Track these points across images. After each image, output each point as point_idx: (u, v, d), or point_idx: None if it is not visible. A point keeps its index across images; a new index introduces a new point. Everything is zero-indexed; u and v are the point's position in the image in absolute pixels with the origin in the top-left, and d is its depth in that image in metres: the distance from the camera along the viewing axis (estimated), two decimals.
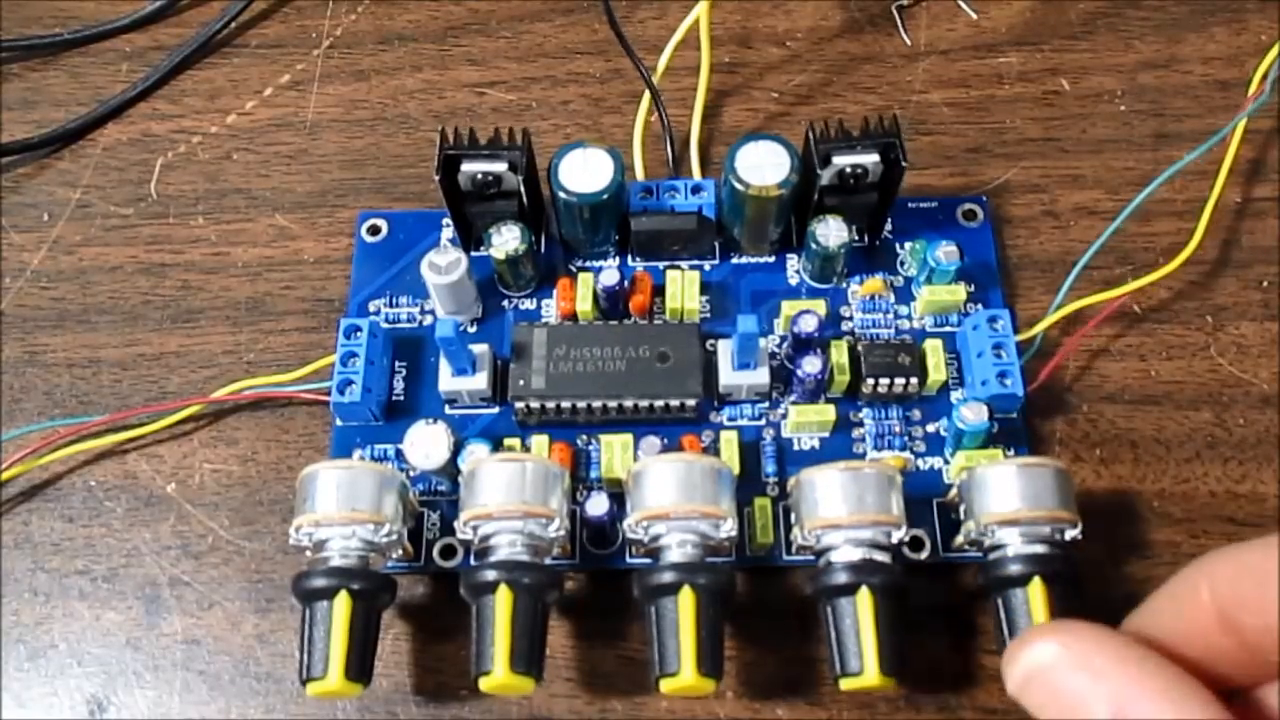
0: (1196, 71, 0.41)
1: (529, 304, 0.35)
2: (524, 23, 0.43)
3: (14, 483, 0.34)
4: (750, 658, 0.31)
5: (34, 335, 0.36)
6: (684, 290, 0.34)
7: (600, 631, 0.31)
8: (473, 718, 0.31)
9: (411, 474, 0.32)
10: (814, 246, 0.34)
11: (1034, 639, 0.24)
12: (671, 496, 0.28)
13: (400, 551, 0.30)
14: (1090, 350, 0.35)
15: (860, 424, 0.33)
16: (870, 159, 0.33)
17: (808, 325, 0.32)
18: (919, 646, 0.30)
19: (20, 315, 0.37)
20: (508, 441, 0.33)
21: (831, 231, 0.33)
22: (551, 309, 0.35)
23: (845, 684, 0.28)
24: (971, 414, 0.31)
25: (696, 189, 0.35)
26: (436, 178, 0.33)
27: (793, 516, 0.30)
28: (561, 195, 0.33)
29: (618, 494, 0.31)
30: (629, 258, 0.36)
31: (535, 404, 0.32)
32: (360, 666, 0.28)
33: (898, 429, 0.33)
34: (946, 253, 0.34)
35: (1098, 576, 0.31)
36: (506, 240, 0.33)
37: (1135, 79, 0.41)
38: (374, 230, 0.37)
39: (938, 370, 0.33)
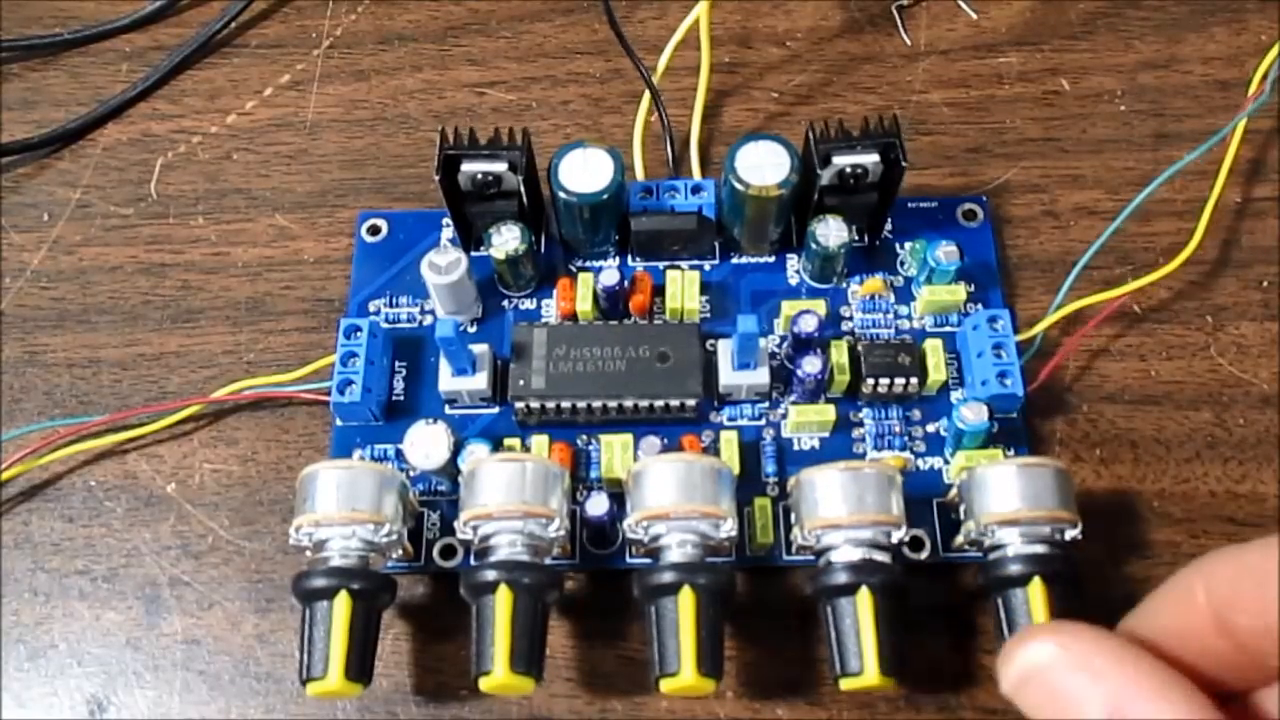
0: (1196, 71, 0.41)
1: (529, 304, 0.35)
2: (524, 23, 0.43)
3: (14, 483, 0.34)
4: (750, 658, 0.31)
5: (34, 335, 0.36)
6: (684, 290, 0.34)
7: (600, 631, 0.31)
8: (473, 718, 0.31)
9: (411, 474, 0.32)
10: (814, 246, 0.34)
11: (1030, 638, 0.24)
12: (671, 496, 0.28)
13: (400, 551, 0.30)
14: (1090, 350, 0.35)
15: (860, 424, 0.33)
16: (870, 159, 0.33)
17: (808, 325, 0.32)
18: (919, 646, 0.30)
19: (20, 315, 0.37)
20: (508, 441, 0.33)
21: (831, 231, 0.33)
22: (551, 309, 0.35)
23: (845, 684, 0.28)
24: (971, 414, 0.31)
25: (696, 189, 0.35)
26: (436, 178, 0.33)
27: (793, 516, 0.30)
28: (561, 195, 0.33)
29: (618, 494, 0.31)
30: (629, 258, 0.36)
31: (535, 404, 0.32)
32: (360, 666, 0.28)
33: (898, 429, 0.33)
34: (946, 253, 0.34)
35: (1098, 576, 0.31)
36: (506, 240, 0.33)
37: (1135, 79, 0.41)
38: (374, 230, 0.37)
39: (938, 370, 0.33)
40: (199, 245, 0.38)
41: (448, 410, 0.34)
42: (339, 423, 0.34)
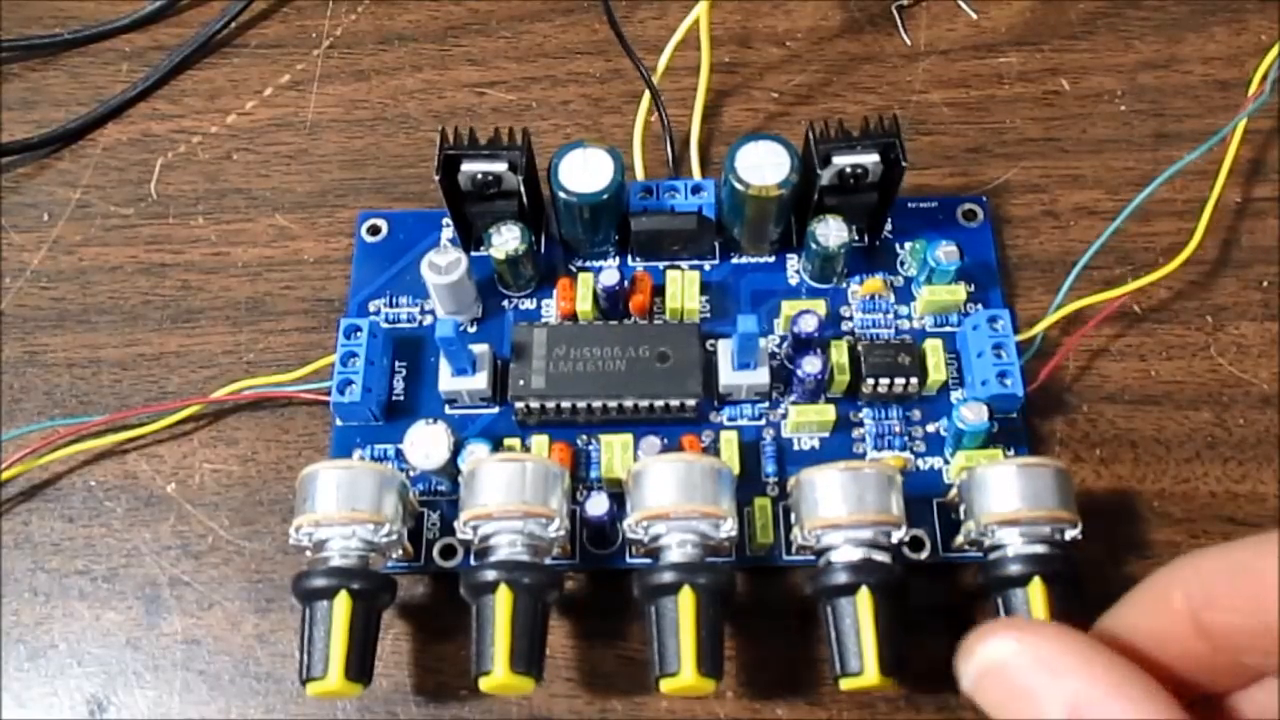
0: (1196, 71, 0.41)
1: (529, 304, 0.35)
2: (524, 23, 0.43)
3: (14, 483, 0.34)
4: (750, 658, 0.31)
5: (34, 335, 0.36)
6: (684, 290, 0.34)
7: (600, 631, 0.31)
8: (473, 718, 0.31)
9: (411, 474, 0.32)
10: (814, 246, 0.34)
11: (990, 635, 0.24)
12: (671, 496, 0.28)
13: (400, 551, 0.30)
14: (1090, 350, 0.35)
15: (860, 424, 0.33)
16: (870, 159, 0.33)
17: (808, 325, 0.32)
18: (919, 646, 0.30)
19: (20, 315, 0.37)
20: (508, 441, 0.33)
21: (831, 231, 0.33)
22: (551, 309, 0.35)
23: (845, 684, 0.28)
24: (971, 414, 0.31)
25: (696, 189, 0.35)
26: (436, 178, 0.33)
27: (793, 516, 0.30)
28: (561, 195, 0.33)
29: (618, 494, 0.31)
30: (629, 258, 0.36)
31: (535, 404, 0.32)
32: (360, 666, 0.28)
33: (898, 429, 0.33)
34: (946, 253, 0.34)
35: (1098, 576, 0.31)
36: (506, 240, 0.33)
37: (1135, 79, 0.41)
38: (374, 230, 0.37)
39: (938, 370, 0.33)
40: (199, 245, 0.38)
41: (448, 410, 0.34)
42: (339, 423, 0.34)
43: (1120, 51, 0.42)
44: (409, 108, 0.41)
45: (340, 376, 0.33)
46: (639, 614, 0.30)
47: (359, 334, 0.33)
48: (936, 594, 0.31)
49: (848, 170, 0.33)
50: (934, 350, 0.33)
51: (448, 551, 0.31)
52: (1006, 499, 0.28)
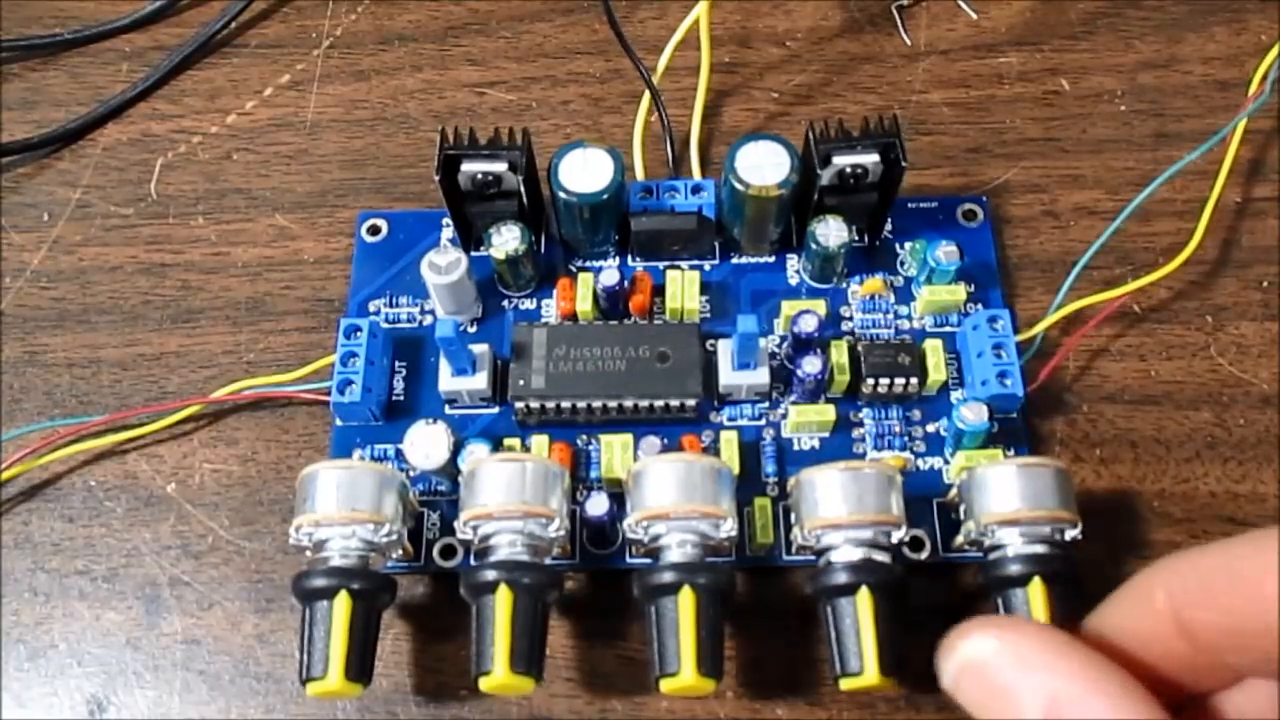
0: (1196, 71, 0.41)
1: (529, 304, 0.35)
2: (524, 23, 0.43)
3: (14, 483, 0.34)
4: (750, 658, 0.31)
5: (34, 335, 0.36)
6: (684, 290, 0.34)
7: (600, 631, 0.31)
8: (473, 718, 0.31)
9: (411, 474, 0.32)
10: (814, 246, 0.34)
11: (970, 632, 0.24)
12: (671, 496, 0.28)
13: (400, 551, 0.30)
14: (1090, 350, 0.35)
15: (860, 424, 0.33)
16: (870, 159, 0.33)
17: (808, 325, 0.32)
18: (919, 646, 0.30)
19: (20, 315, 0.37)
20: (508, 441, 0.33)
21: (831, 231, 0.33)
22: (551, 309, 0.35)
23: (845, 684, 0.28)
24: (971, 414, 0.31)
25: (696, 189, 0.35)
26: (436, 178, 0.33)
27: (793, 516, 0.30)
28: (561, 195, 0.33)
29: (618, 494, 0.31)
30: (629, 258, 0.36)
31: (535, 404, 0.32)
32: (360, 666, 0.28)
33: (898, 429, 0.33)
34: (946, 253, 0.34)
35: (1098, 576, 0.31)
36: (506, 240, 0.33)
37: (1135, 79, 0.41)
38: (374, 230, 0.37)
39: (938, 370, 0.33)
40: (199, 245, 0.38)
41: (448, 410, 0.34)
42: (339, 423, 0.34)
43: (1120, 51, 0.42)
44: (409, 108, 0.41)
45: (340, 376, 0.33)
46: (639, 614, 0.30)
47: (359, 334, 0.33)
48: (936, 594, 0.31)
49: (848, 170, 0.33)
50: (934, 350, 0.33)
51: (448, 551, 0.31)
52: (1006, 499, 0.28)
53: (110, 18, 0.43)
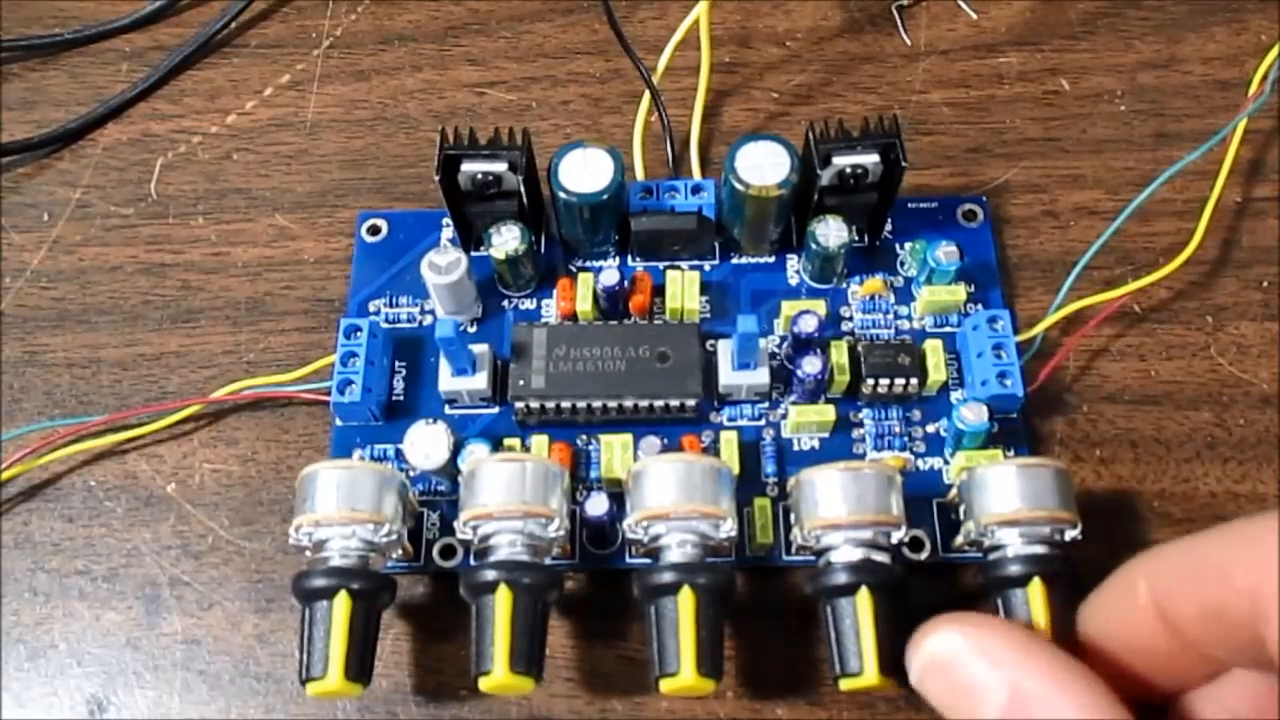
0: (1196, 71, 0.41)
1: (529, 304, 0.35)
2: (524, 23, 0.43)
3: (14, 483, 0.34)
4: (750, 658, 0.31)
5: (34, 335, 0.36)
6: (684, 290, 0.34)
7: (600, 631, 0.31)
8: (472, 718, 0.31)
9: (411, 474, 0.32)
10: (814, 246, 0.34)
11: (936, 628, 0.25)
12: (671, 496, 0.28)
13: (400, 551, 0.30)
14: (1090, 350, 0.35)
15: (860, 424, 0.33)
16: (870, 159, 0.33)
17: (808, 325, 0.32)
18: None
19: (20, 315, 0.37)
20: (507, 441, 0.33)
21: (831, 231, 0.33)
22: (551, 309, 0.35)
23: (845, 684, 0.28)
24: (971, 414, 0.31)
25: (696, 189, 0.35)
26: (436, 178, 0.33)
27: (792, 517, 0.30)
28: (561, 195, 0.33)
29: (617, 494, 0.31)
30: (629, 258, 0.36)
31: (535, 404, 0.32)
32: (360, 666, 0.28)
33: (898, 429, 0.33)
34: (946, 253, 0.34)
35: (1098, 576, 0.31)
36: (506, 240, 0.33)
37: (1135, 79, 0.41)
38: (374, 230, 0.37)
39: (938, 370, 0.33)
40: (199, 245, 0.38)
41: (448, 410, 0.34)
42: (339, 423, 0.34)
43: (1120, 51, 0.42)
44: (409, 108, 0.41)
45: (340, 376, 0.33)
46: (639, 614, 0.30)
47: (359, 334, 0.33)
48: (936, 594, 0.31)
49: (848, 170, 0.33)
50: (934, 350, 0.33)
51: (447, 551, 0.31)
52: (1006, 499, 0.28)
53: (110, 18, 0.43)
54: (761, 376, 0.33)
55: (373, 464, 0.32)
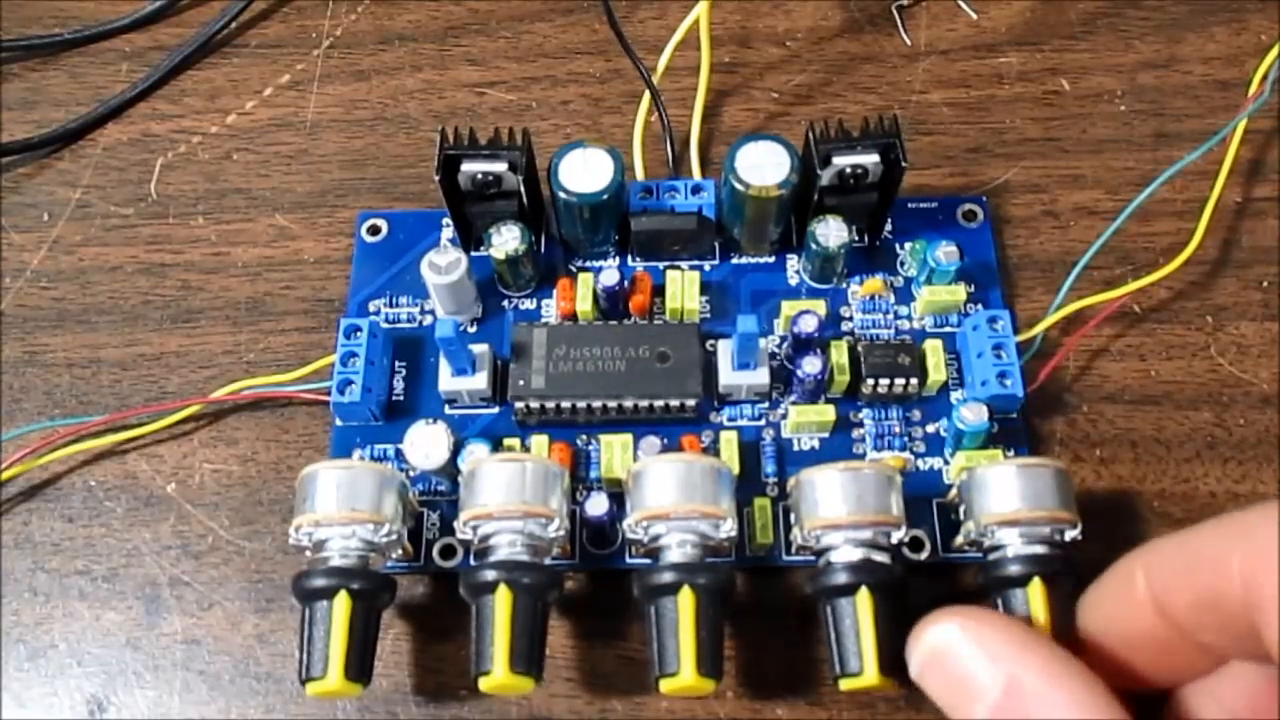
0: (1196, 71, 0.41)
1: (529, 304, 0.35)
2: (524, 23, 0.43)
3: (14, 483, 0.34)
4: (750, 658, 0.31)
5: (34, 335, 0.36)
6: (684, 290, 0.34)
7: (600, 631, 0.31)
8: (472, 718, 0.31)
9: (411, 474, 0.32)
10: (814, 246, 0.34)
11: (936, 619, 0.25)
12: (671, 497, 0.28)
13: (400, 551, 0.30)
14: (1090, 350, 0.35)
15: (860, 424, 0.33)
16: (870, 159, 0.33)
17: (808, 325, 0.32)
18: None
19: (20, 315, 0.37)
20: (507, 441, 0.33)
21: (831, 231, 0.33)
22: (551, 309, 0.35)
23: (845, 684, 0.28)
24: (971, 414, 0.31)
25: (696, 189, 0.35)
26: (436, 178, 0.33)
27: (792, 517, 0.30)
28: (561, 195, 0.33)
29: (617, 494, 0.31)
30: (629, 258, 0.36)
31: (535, 404, 0.32)
32: (360, 666, 0.28)
33: (898, 429, 0.33)
34: (946, 253, 0.34)
35: (1097, 577, 0.31)
36: (506, 240, 0.33)
37: (1135, 79, 0.41)
38: (374, 230, 0.37)
39: (937, 370, 0.33)
40: (199, 245, 0.38)
41: (447, 410, 0.34)
42: (339, 423, 0.34)
43: (1120, 51, 0.42)
44: (409, 108, 0.41)
45: (340, 376, 0.33)
46: (639, 614, 0.30)
47: (359, 334, 0.33)
48: (936, 594, 0.31)
49: (848, 170, 0.33)
50: (934, 350, 0.33)
51: (447, 551, 0.31)
52: (1006, 499, 0.28)
53: (110, 18, 0.43)
54: (761, 376, 0.33)
55: (373, 464, 0.32)
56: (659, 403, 0.32)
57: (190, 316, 0.37)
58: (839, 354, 0.33)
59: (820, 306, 0.34)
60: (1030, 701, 0.23)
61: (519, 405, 0.32)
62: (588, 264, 0.36)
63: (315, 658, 0.28)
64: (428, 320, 0.35)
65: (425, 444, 0.31)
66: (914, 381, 0.32)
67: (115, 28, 0.43)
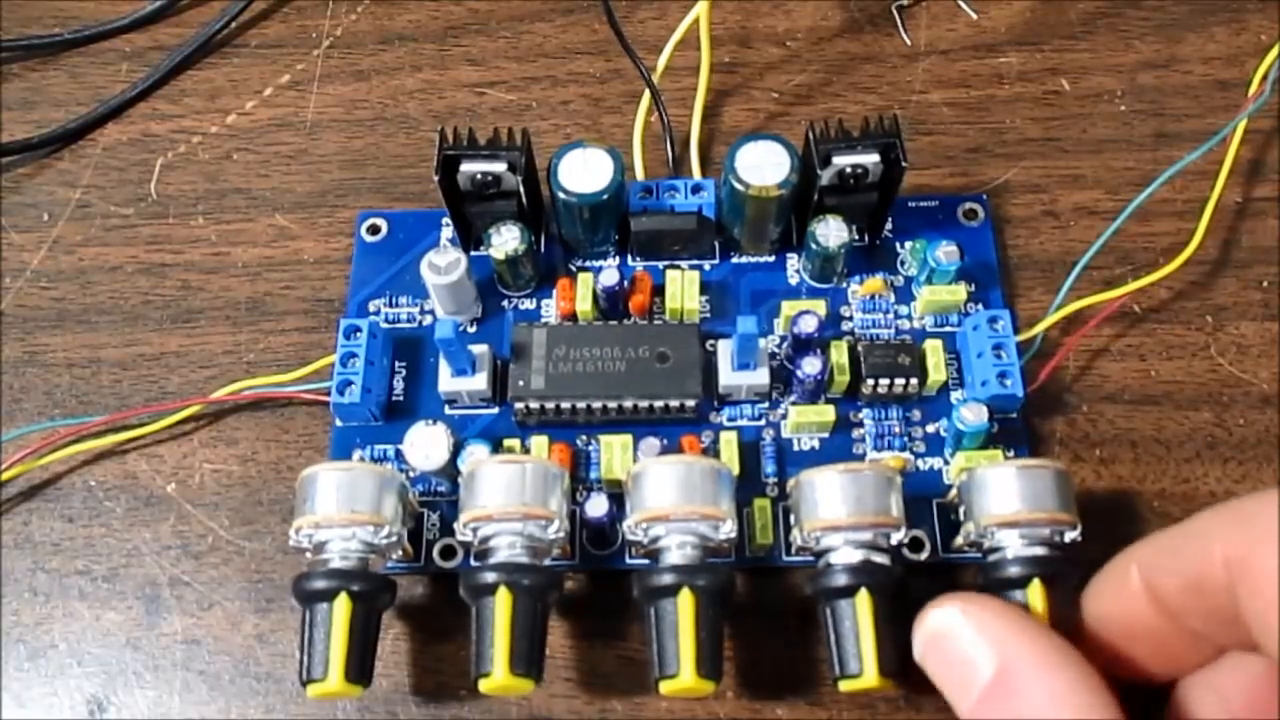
0: (1196, 71, 0.41)
1: (529, 304, 0.35)
2: (524, 23, 0.43)
3: (14, 483, 0.34)
4: (750, 658, 0.31)
5: (34, 335, 0.36)
6: (684, 290, 0.34)
7: (600, 632, 0.31)
8: (472, 718, 0.31)
9: (411, 475, 0.32)
10: (814, 246, 0.34)
11: (939, 604, 0.26)
12: (671, 498, 0.28)
13: (400, 552, 0.30)
14: (1090, 350, 0.35)
15: (860, 424, 0.33)
16: (870, 159, 0.33)
17: (808, 325, 0.32)
18: None
19: (20, 315, 0.37)
20: (507, 442, 0.33)
21: (831, 231, 0.33)
22: (551, 309, 0.35)
23: (845, 686, 0.28)
24: (971, 414, 0.31)
25: (696, 189, 0.35)
26: (436, 178, 0.33)
27: (792, 517, 0.30)
28: (561, 195, 0.33)
29: (617, 495, 0.31)
30: (629, 258, 0.36)
31: (535, 404, 0.32)
32: (360, 668, 0.28)
33: (898, 429, 0.33)
34: (947, 252, 0.34)
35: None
36: (506, 240, 0.33)
37: (1135, 79, 0.41)
38: (374, 230, 0.37)
39: (938, 370, 0.33)
40: (199, 245, 0.38)
41: (447, 411, 0.34)
42: (339, 423, 0.34)
43: (1120, 51, 0.42)
44: (409, 108, 0.41)
45: (340, 377, 0.33)
46: (639, 614, 0.30)
47: (359, 334, 0.33)
48: (936, 595, 0.31)
49: (848, 170, 0.33)
50: (934, 350, 0.33)
51: (447, 552, 0.31)
52: (1006, 500, 0.28)
53: (110, 18, 0.43)
54: (761, 377, 0.33)
55: (373, 465, 0.32)
56: (659, 403, 0.32)
57: (190, 316, 0.37)
58: (839, 354, 0.33)
59: (820, 306, 0.34)
60: (1021, 685, 0.24)
61: (519, 406, 0.32)
62: (587, 264, 0.36)
63: (316, 659, 0.28)
64: (427, 320, 0.35)
65: (425, 445, 0.31)
66: (914, 381, 0.32)
67: (115, 28, 0.43)
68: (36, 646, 0.32)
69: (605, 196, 0.33)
